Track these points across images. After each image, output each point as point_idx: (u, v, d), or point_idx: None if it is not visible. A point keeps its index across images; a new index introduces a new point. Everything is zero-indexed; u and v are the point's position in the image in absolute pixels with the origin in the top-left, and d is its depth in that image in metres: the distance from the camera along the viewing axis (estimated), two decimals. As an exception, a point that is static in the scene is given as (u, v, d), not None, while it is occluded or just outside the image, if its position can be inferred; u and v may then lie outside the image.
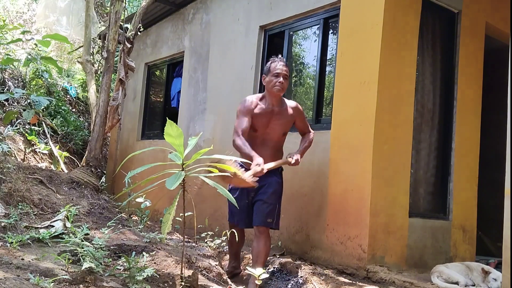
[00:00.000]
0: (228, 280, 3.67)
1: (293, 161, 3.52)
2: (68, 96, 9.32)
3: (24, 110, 6.83)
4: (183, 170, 2.73)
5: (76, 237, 3.10)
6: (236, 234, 3.49)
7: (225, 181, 3.26)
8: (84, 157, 6.22)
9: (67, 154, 7.92)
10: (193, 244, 4.47)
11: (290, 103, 3.66)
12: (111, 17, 5.86)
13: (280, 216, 3.63)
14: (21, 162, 6.12)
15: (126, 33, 6.04)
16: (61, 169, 7.18)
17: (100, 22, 9.66)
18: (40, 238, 3.47)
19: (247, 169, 3.30)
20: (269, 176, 3.42)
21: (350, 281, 3.44)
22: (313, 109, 4.49)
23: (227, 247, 4.03)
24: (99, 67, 8.83)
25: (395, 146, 3.82)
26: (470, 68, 4.47)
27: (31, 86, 8.41)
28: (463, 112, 4.39)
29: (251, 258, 3.76)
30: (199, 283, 3.01)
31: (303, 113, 3.72)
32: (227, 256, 4.15)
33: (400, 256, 3.78)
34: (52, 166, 7.27)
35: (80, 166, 6.36)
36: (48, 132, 7.98)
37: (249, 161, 3.25)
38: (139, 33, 6.13)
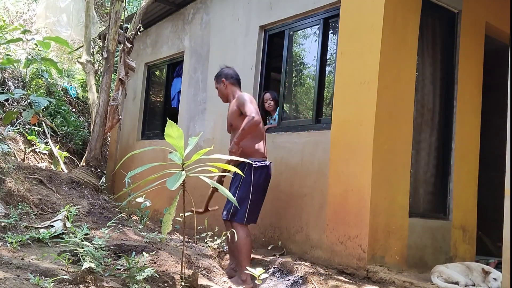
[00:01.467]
0: (228, 280, 3.67)
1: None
2: (68, 96, 9.31)
3: (24, 110, 6.84)
4: (183, 170, 2.74)
5: (76, 237, 3.10)
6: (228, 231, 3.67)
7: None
8: (84, 157, 6.23)
9: (67, 154, 7.92)
10: (193, 244, 4.47)
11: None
12: (111, 17, 5.86)
13: (250, 209, 3.67)
14: (21, 162, 6.11)
15: (126, 33, 6.04)
16: (61, 169, 7.18)
17: (100, 22, 9.66)
18: (40, 238, 3.47)
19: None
20: (233, 174, 3.75)
21: (350, 281, 3.44)
22: (313, 109, 4.49)
23: (227, 247, 4.05)
24: (99, 67, 8.82)
25: (395, 146, 3.82)
26: (470, 68, 4.47)
27: (31, 86, 8.40)
28: (463, 112, 4.38)
29: (250, 257, 3.78)
30: (199, 283, 3.01)
31: (240, 100, 3.78)
32: (227, 256, 4.16)
33: (400, 256, 3.78)
34: (52, 166, 7.27)
35: (80, 166, 6.36)
36: (48, 132, 7.98)
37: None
38: (139, 33, 6.13)
